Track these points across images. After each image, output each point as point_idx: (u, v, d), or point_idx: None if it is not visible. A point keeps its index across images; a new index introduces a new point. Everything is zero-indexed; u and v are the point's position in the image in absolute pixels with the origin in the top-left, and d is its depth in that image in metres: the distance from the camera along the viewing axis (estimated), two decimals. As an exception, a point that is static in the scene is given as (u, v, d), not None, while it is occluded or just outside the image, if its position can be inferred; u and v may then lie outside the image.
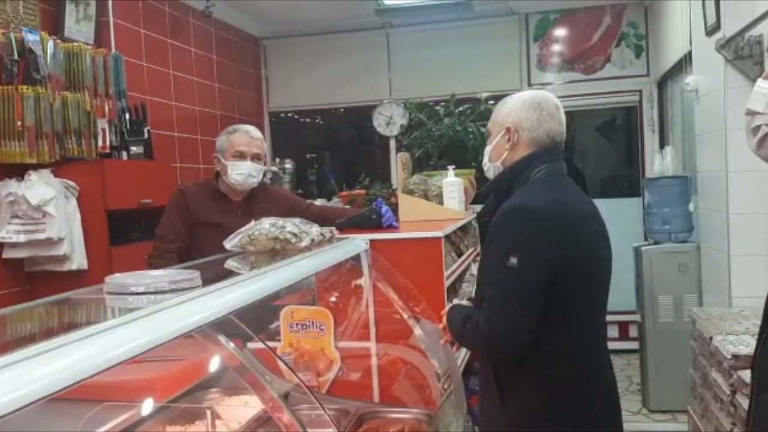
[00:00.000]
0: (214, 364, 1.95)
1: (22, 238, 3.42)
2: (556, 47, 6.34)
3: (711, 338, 3.15)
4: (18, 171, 3.46)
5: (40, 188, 3.42)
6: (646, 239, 5.01)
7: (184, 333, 1.29)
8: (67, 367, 1.01)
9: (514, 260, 1.77)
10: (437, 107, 4.56)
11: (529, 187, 1.93)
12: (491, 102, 4.50)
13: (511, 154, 2.01)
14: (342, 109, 7.08)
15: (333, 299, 2.78)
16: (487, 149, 2.11)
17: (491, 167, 2.09)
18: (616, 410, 2.01)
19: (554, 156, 1.99)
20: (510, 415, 1.91)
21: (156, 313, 1.26)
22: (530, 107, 2.00)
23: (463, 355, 3.37)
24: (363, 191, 4.33)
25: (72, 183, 3.58)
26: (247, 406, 2.20)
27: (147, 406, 1.92)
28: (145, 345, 1.18)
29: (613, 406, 2.00)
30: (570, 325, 1.87)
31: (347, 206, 3.97)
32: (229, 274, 1.82)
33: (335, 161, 7.15)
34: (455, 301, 2.19)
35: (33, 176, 3.46)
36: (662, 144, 5.84)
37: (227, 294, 1.48)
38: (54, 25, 3.86)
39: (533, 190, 1.92)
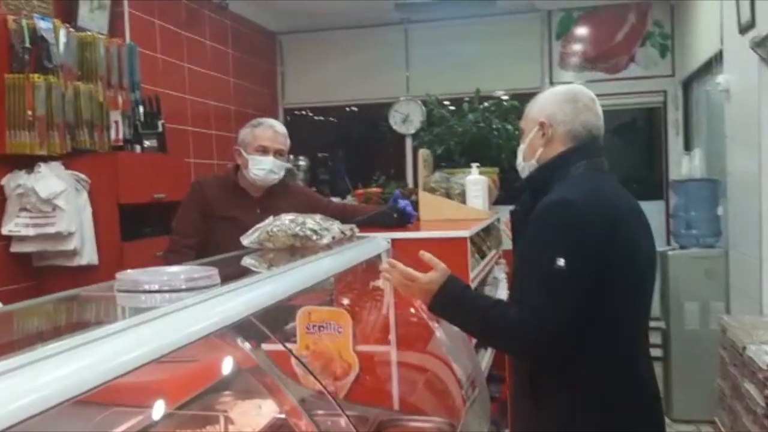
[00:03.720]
0: (228, 366, 1.84)
1: (31, 231, 3.33)
2: (579, 46, 6.21)
3: (744, 347, 3.02)
4: (28, 162, 3.36)
5: (51, 181, 3.32)
6: (669, 244, 4.88)
7: (201, 336, 1.18)
8: (72, 374, 0.90)
9: (560, 261, 1.64)
10: (452, 107, 4.42)
11: (568, 182, 1.81)
12: (509, 99, 4.39)
13: (546, 150, 1.89)
14: (357, 107, 6.98)
15: (352, 300, 2.67)
16: (521, 148, 1.98)
17: (526, 166, 1.96)
18: (659, 419, 1.89)
19: (594, 151, 1.87)
20: (546, 420, 1.79)
21: (171, 314, 1.15)
22: (564, 99, 1.89)
23: (486, 360, 3.26)
24: (379, 189, 4.22)
25: (83, 176, 3.48)
26: (262, 411, 2.10)
27: (157, 410, 1.81)
28: (159, 350, 1.07)
29: (656, 414, 1.88)
30: (614, 327, 1.75)
31: (365, 204, 3.87)
32: (247, 272, 1.71)
33: (349, 159, 7.04)
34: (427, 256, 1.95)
35: (43, 168, 3.36)
36: (687, 146, 5.70)
37: (247, 293, 1.37)
38: (67, 14, 3.76)
39: (574, 184, 1.79)
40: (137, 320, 1.09)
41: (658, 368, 4.80)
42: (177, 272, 1.38)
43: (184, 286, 1.32)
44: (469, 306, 1.84)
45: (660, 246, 4.73)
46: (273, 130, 2.89)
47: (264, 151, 2.84)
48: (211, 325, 1.21)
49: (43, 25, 3.35)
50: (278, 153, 2.87)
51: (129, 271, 1.37)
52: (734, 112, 3.94)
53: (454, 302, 1.84)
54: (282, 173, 2.91)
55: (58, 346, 0.92)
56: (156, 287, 1.31)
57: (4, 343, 1.12)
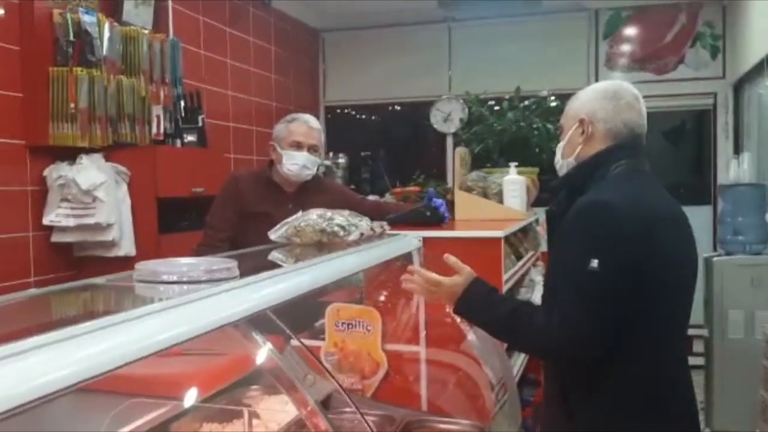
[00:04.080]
0: (253, 361, 1.83)
1: (71, 222, 3.38)
2: (627, 46, 6.08)
3: (790, 359, 2.92)
4: (70, 154, 3.42)
5: (91, 172, 3.37)
6: (715, 250, 4.74)
7: (215, 327, 1.16)
8: (81, 360, 0.90)
9: (594, 263, 1.59)
10: (497, 107, 4.36)
11: (606, 182, 1.75)
12: (553, 99, 4.30)
13: (585, 148, 1.83)
14: (399, 106, 6.95)
15: (382, 298, 2.65)
16: (560, 145, 1.92)
17: (564, 164, 1.90)
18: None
19: (635, 150, 1.80)
20: (576, 429, 1.74)
21: (185, 305, 1.14)
22: (605, 96, 1.82)
23: (519, 363, 3.20)
24: (417, 188, 4.18)
25: (123, 168, 3.52)
26: (288, 407, 2.08)
27: (183, 402, 1.81)
28: (169, 339, 1.06)
29: (693, 428, 1.80)
30: (649, 334, 1.68)
31: (401, 202, 3.84)
32: (270, 265, 1.69)
33: (390, 158, 7.01)
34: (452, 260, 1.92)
35: (84, 160, 3.41)
36: (737, 150, 5.53)
37: (265, 288, 1.35)
38: (112, 9, 3.82)
39: (611, 185, 1.73)
40: (150, 309, 1.08)
41: (699, 377, 4.69)
42: (196, 264, 1.37)
43: (203, 278, 1.31)
44: (494, 308, 1.80)
45: (706, 252, 4.61)
46: (307, 125, 2.89)
47: (298, 146, 2.83)
48: (225, 317, 1.20)
49: (87, 19, 3.40)
50: (312, 149, 2.86)
51: (149, 261, 1.36)
52: (786, 115, 3.80)
53: (479, 305, 1.82)
54: (315, 169, 2.90)
55: (73, 329, 0.92)
56: (174, 278, 1.30)
57: (19, 328, 1.12)
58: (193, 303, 1.16)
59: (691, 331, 5.06)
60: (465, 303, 1.83)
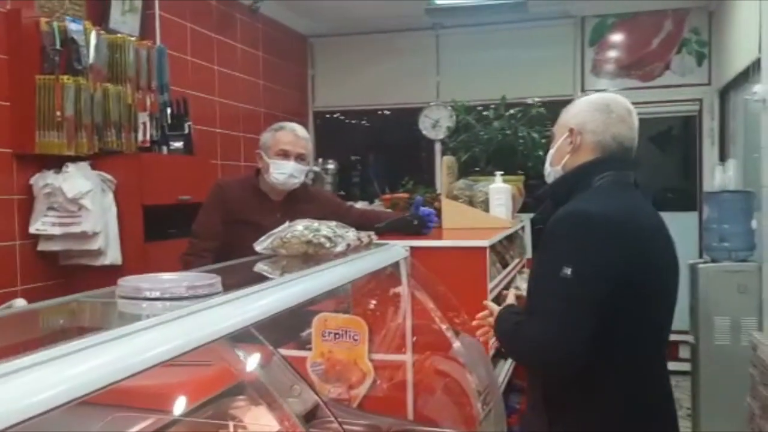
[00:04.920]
0: (237, 373, 1.83)
1: (57, 230, 3.37)
2: (613, 52, 6.12)
3: (774, 367, 2.93)
4: (56, 162, 3.41)
5: (78, 181, 3.36)
6: (701, 256, 4.76)
7: (197, 346, 1.16)
8: (66, 380, 0.91)
9: (567, 270, 1.61)
10: (485, 112, 4.39)
11: (588, 193, 1.77)
12: (539, 106, 4.32)
13: (572, 158, 1.85)
14: (387, 111, 6.96)
15: (369, 307, 2.65)
16: (550, 153, 1.95)
17: (552, 172, 1.93)
18: None
19: (622, 163, 1.82)
20: None
21: (167, 323, 1.14)
22: (597, 109, 1.84)
23: (505, 371, 3.21)
24: (406, 195, 4.19)
25: (109, 176, 3.51)
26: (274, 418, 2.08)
27: (168, 415, 1.81)
28: (156, 358, 1.07)
29: None
30: (629, 346, 1.70)
31: (388, 210, 3.84)
32: (256, 279, 1.69)
33: (379, 163, 7.02)
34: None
35: (71, 168, 3.40)
36: (722, 157, 5.57)
37: (249, 303, 1.35)
38: (99, 17, 3.82)
39: (594, 196, 1.76)
40: (131, 329, 1.08)
41: (686, 383, 4.72)
42: (179, 279, 1.37)
43: (185, 294, 1.31)
44: (505, 324, 1.88)
45: (692, 258, 4.63)
46: (294, 134, 2.89)
47: (285, 155, 2.83)
48: (208, 334, 1.20)
49: (74, 27, 3.39)
50: (299, 157, 2.87)
51: (131, 277, 1.36)
52: (771, 122, 3.82)
53: (499, 328, 1.92)
54: (302, 177, 2.90)
55: (51, 352, 0.91)
56: (157, 294, 1.30)
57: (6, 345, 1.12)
58: (174, 321, 1.16)
59: (677, 337, 5.13)
60: (496, 329, 1.94)
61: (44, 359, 0.90)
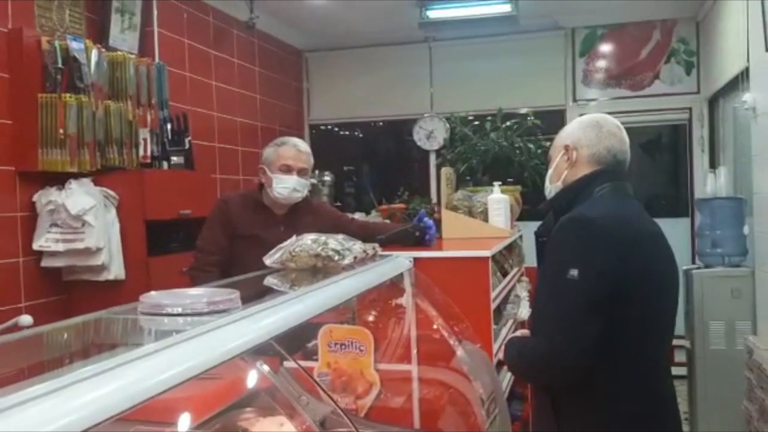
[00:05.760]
0: (248, 384, 1.86)
1: (60, 247, 3.40)
2: (603, 63, 6.20)
3: (770, 370, 2.99)
4: (59, 179, 3.44)
5: (80, 197, 3.40)
6: (694, 262, 4.82)
7: (223, 361, 1.20)
8: (98, 399, 0.93)
9: (574, 272, 1.67)
10: (476, 122, 4.45)
11: (591, 202, 1.84)
12: (533, 118, 4.40)
13: (571, 172, 1.93)
14: (382, 123, 7.03)
15: (373, 318, 2.68)
16: (549, 173, 2.03)
17: (552, 189, 2.01)
18: None
19: (618, 175, 1.90)
20: None
21: (192, 339, 1.18)
22: (588, 126, 1.95)
23: (508, 378, 3.25)
24: (402, 205, 4.24)
25: (112, 192, 3.55)
26: (283, 428, 2.11)
27: (179, 428, 1.84)
28: (183, 374, 1.10)
29: None
30: (633, 349, 1.75)
31: (387, 221, 3.89)
32: (269, 292, 1.74)
33: (374, 174, 7.08)
34: (505, 330, 2.10)
35: (73, 185, 3.44)
36: (712, 164, 5.65)
37: (269, 317, 1.39)
38: (99, 35, 3.86)
39: (595, 204, 1.83)
40: (158, 346, 1.11)
41: (682, 388, 4.77)
42: (199, 295, 1.41)
43: (206, 309, 1.35)
44: (510, 349, 1.96)
45: (685, 264, 4.70)
46: (296, 149, 2.93)
47: (288, 170, 2.87)
48: (233, 348, 1.23)
49: (75, 46, 3.43)
50: (302, 172, 2.91)
51: (153, 293, 1.40)
52: (761, 130, 3.89)
53: (506, 355, 2.01)
54: (305, 192, 2.94)
55: (85, 371, 0.94)
56: (179, 310, 1.34)
57: (33, 365, 1.16)
58: (199, 337, 1.20)
59: (673, 342, 5.16)
60: (504, 358, 2.03)
61: (76, 379, 0.92)
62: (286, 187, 2.86)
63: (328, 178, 6.12)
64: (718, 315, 4.26)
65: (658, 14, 5.97)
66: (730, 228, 4.34)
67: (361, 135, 7.25)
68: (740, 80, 4.43)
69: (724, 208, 4.38)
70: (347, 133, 7.19)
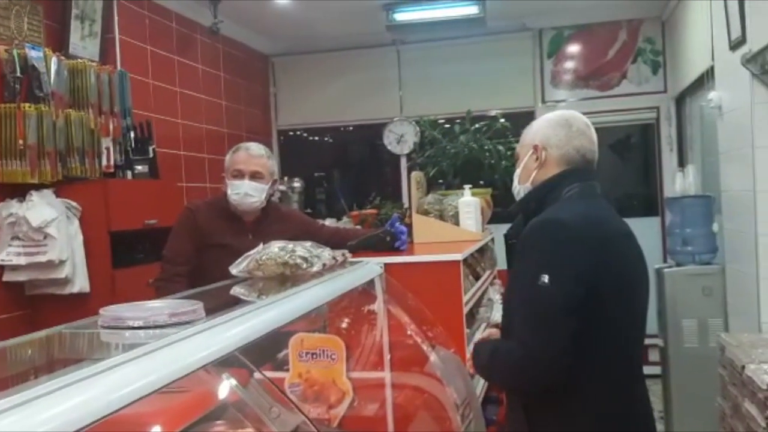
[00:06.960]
0: (216, 397, 1.81)
1: (22, 260, 3.31)
2: (571, 64, 6.23)
3: (743, 367, 2.99)
4: (19, 191, 3.35)
5: (42, 209, 3.31)
6: (665, 261, 4.85)
7: (185, 374, 1.15)
8: (58, 416, 0.89)
9: (545, 278, 1.65)
10: (447, 125, 4.44)
11: (560, 204, 1.81)
12: (503, 120, 4.40)
13: (540, 173, 1.90)
14: (351, 127, 6.99)
15: (345, 325, 2.64)
16: (517, 172, 1.99)
17: (521, 189, 1.97)
18: None
19: (586, 175, 1.88)
20: None
21: (155, 352, 1.13)
22: (557, 124, 1.91)
23: (482, 382, 3.22)
24: (374, 211, 4.20)
25: (74, 203, 3.46)
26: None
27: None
28: (145, 388, 1.06)
29: None
30: (606, 350, 1.74)
31: (359, 227, 3.85)
32: (236, 302, 1.68)
33: (345, 180, 7.04)
34: (478, 334, 2.07)
35: (35, 196, 3.34)
36: (681, 162, 5.70)
37: (233, 328, 1.35)
38: (59, 42, 3.77)
39: (565, 205, 1.81)
40: (118, 360, 1.06)
41: (657, 386, 4.78)
42: (161, 307, 1.36)
43: (168, 322, 1.29)
44: (482, 356, 1.92)
45: (657, 263, 4.72)
46: (247, 153, 2.88)
47: (239, 174, 2.83)
48: (194, 362, 1.19)
49: (34, 54, 3.34)
50: (255, 175, 2.84)
51: (112, 306, 1.35)
52: (727, 128, 3.93)
53: (476, 362, 1.97)
54: (262, 196, 2.86)
55: (44, 387, 0.91)
56: (140, 323, 1.29)
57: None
58: (160, 350, 1.15)
59: (647, 341, 5.15)
60: (474, 364, 1.98)
61: (33, 396, 0.89)
62: (238, 192, 2.81)
63: (297, 184, 6.06)
64: (691, 313, 4.28)
65: (624, 14, 6.02)
66: (699, 226, 4.37)
67: (330, 140, 7.20)
68: (706, 79, 4.47)
69: (694, 207, 4.40)
70: (317, 138, 7.14)
